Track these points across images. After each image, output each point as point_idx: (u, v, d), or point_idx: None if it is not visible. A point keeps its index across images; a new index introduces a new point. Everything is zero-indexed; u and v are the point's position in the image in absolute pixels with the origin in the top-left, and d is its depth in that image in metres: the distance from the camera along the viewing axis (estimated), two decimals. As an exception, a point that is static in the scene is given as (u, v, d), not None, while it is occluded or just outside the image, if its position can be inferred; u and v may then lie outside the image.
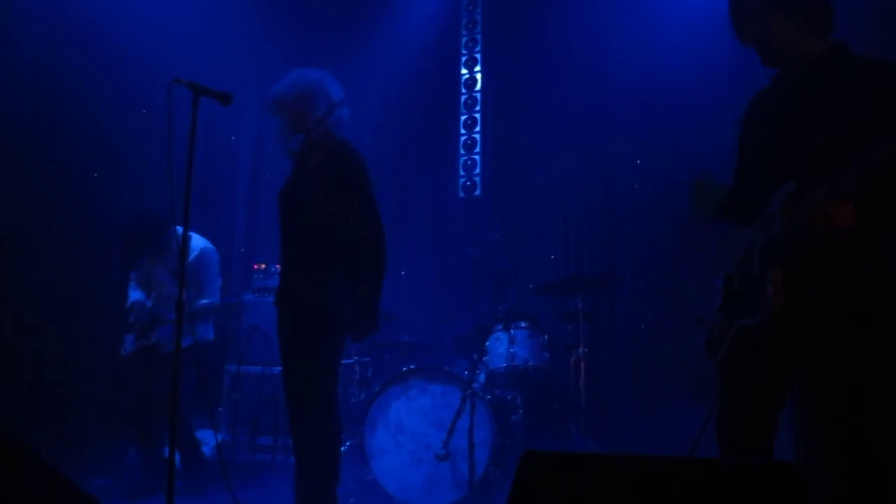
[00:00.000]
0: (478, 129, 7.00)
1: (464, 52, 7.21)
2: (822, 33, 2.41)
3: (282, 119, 3.66)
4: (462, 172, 6.94)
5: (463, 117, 7.06)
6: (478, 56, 7.15)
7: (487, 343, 4.91)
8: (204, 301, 5.03)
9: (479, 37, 7.19)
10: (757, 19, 2.42)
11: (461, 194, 6.90)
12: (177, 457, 4.03)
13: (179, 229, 4.73)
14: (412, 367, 4.80)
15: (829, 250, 2.20)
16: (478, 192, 6.85)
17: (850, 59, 2.38)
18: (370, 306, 3.50)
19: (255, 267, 6.36)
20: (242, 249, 7.11)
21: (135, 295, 5.08)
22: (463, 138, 7.01)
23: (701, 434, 2.64)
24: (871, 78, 2.26)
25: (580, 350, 4.91)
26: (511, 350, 4.82)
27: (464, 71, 7.16)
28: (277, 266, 6.16)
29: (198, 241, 5.13)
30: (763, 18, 2.41)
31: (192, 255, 5.04)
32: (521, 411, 4.89)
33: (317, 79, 3.68)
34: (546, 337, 4.96)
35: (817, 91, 2.35)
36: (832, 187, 2.09)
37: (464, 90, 7.12)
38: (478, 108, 7.04)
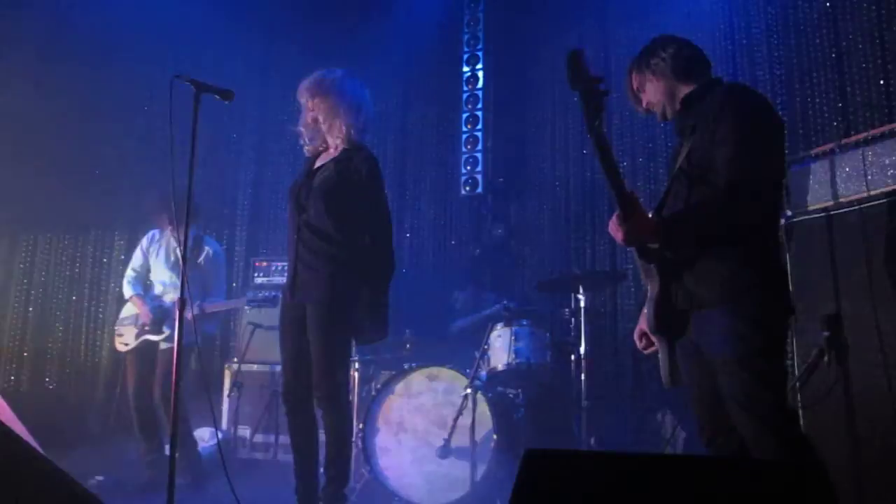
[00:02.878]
0: (480, 126, 6.98)
1: (465, 49, 7.20)
2: (697, 78, 2.68)
3: (312, 112, 3.65)
4: (464, 170, 6.92)
5: (465, 115, 7.05)
6: (479, 53, 7.14)
7: (489, 341, 4.90)
8: (212, 300, 5.05)
9: (480, 34, 7.17)
10: (644, 89, 2.77)
11: (463, 191, 6.89)
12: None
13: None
14: (414, 364, 4.79)
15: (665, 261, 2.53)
16: (480, 190, 6.84)
17: (704, 95, 2.62)
18: (377, 309, 3.50)
19: (257, 264, 6.37)
20: (244, 247, 7.11)
21: (134, 288, 5.06)
22: (465, 136, 7.00)
23: (674, 432, 2.79)
24: (712, 108, 2.51)
25: (582, 348, 4.89)
26: (513, 348, 4.81)
27: (465, 68, 7.14)
28: (279, 264, 6.18)
29: (210, 244, 5.16)
30: (649, 85, 2.74)
31: (205, 256, 5.06)
32: (522, 409, 4.88)
33: (361, 92, 3.70)
34: (548, 335, 4.95)
35: (678, 130, 2.69)
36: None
37: (466, 87, 7.11)
38: (480, 105, 7.03)
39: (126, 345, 4.99)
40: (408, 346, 5.43)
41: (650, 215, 2.53)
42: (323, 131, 3.65)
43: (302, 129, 3.70)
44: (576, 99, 2.43)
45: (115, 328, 5.06)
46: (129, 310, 5.09)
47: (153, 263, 5.13)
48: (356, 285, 3.47)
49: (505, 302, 5.07)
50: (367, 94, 3.71)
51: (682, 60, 2.70)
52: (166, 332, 4.88)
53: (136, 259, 5.18)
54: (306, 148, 3.75)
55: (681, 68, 2.70)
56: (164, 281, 5.08)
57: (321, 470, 3.52)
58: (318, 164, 3.68)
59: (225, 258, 5.25)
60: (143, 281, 5.13)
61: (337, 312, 3.43)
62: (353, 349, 5.31)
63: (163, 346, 4.88)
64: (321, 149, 3.71)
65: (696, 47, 2.75)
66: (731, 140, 2.39)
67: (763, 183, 2.39)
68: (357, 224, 3.52)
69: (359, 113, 3.64)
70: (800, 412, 3.38)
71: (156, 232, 5.21)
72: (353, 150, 3.60)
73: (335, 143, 3.64)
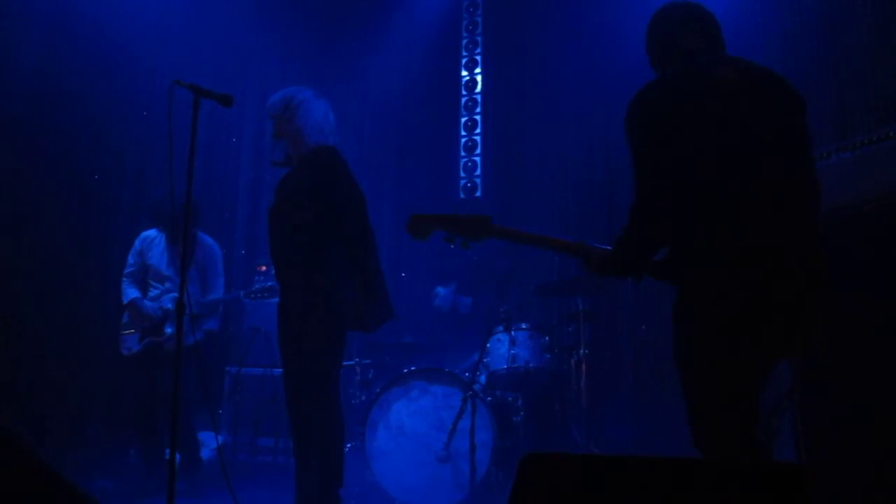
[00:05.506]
0: (478, 130, 7.01)
1: (464, 54, 7.22)
2: (666, 65, 2.55)
3: (273, 131, 3.79)
4: (462, 174, 6.94)
5: (463, 119, 7.07)
6: (478, 58, 7.16)
7: (489, 344, 4.91)
8: (211, 296, 5.06)
9: (479, 39, 7.20)
10: None
11: (462, 196, 6.90)
12: (177, 457, 4.03)
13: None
14: (413, 368, 4.80)
15: None
16: (478, 194, 6.85)
17: None
18: (375, 291, 3.58)
19: (257, 269, 6.37)
20: (243, 251, 7.12)
21: (132, 293, 5.08)
22: (463, 140, 7.02)
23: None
24: None
25: (581, 351, 4.90)
26: (512, 351, 4.82)
27: (464, 73, 7.17)
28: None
29: (205, 238, 5.16)
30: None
31: (200, 251, 5.07)
32: (522, 413, 4.89)
33: (326, 115, 3.79)
34: (547, 338, 4.96)
35: None
36: None
37: (464, 92, 7.13)
38: (478, 109, 7.05)
39: (130, 349, 5.00)
40: (407, 350, 5.44)
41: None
42: (286, 146, 3.79)
43: (269, 141, 3.84)
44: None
45: (120, 333, 5.08)
46: (130, 315, 5.10)
47: (149, 265, 5.14)
48: (347, 277, 3.53)
49: (504, 308, 5.08)
50: (332, 117, 3.82)
51: (656, 48, 2.59)
52: (168, 332, 4.89)
53: (132, 263, 5.19)
54: (272, 162, 3.88)
55: (656, 56, 2.59)
56: (162, 282, 5.09)
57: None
58: (286, 177, 3.78)
59: (221, 252, 5.27)
60: (140, 284, 5.14)
61: (325, 315, 3.47)
62: (354, 352, 5.33)
63: (167, 347, 4.90)
64: (286, 164, 3.82)
65: (670, 23, 2.56)
66: None
67: (646, 194, 2.27)
68: (332, 218, 3.57)
69: (321, 134, 3.73)
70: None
71: (149, 233, 5.22)
72: (314, 151, 3.69)
73: (298, 159, 3.74)
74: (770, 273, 2.16)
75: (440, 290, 5.87)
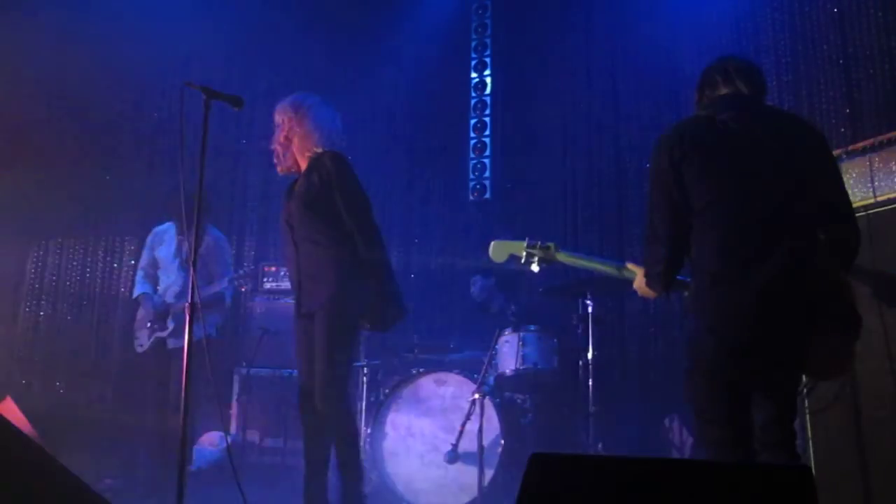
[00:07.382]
0: (487, 132, 7.00)
1: (473, 55, 7.22)
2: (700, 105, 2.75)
3: (286, 133, 3.79)
4: (472, 176, 6.93)
5: (473, 121, 7.06)
6: (487, 60, 7.16)
7: (497, 346, 4.91)
8: (213, 288, 5.06)
9: (488, 41, 7.19)
10: None
11: (471, 197, 6.90)
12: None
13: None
14: (422, 369, 4.80)
15: None
16: (488, 195, 6.85)
17: None
18: (388, 293, 3.62)
19: (266, 269, 6.38)
20: (253, 252, 7.14)
21: (140, 288, 5.10)
22: (473, 142, 7.01)
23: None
24: None
25: (590, 353, 4.89)
26: (520, 353, 4.82)
27: (473, 74, 7.16)
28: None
29: (211, 232, 5.17)
30: None
31: (205, 245, 5.07)
32: (530, 414, 4.89)
33: (334, 121, 3.82)
34: (555, 340, 4.95)
35: None
36: None
37: (473, 94, 7.12)
38: (487, 111, 7.04)
39: (141, 346, 5.03)
40: (416, 351, 5.44)
41: None
42: (294, 151, 3.78)
43: (276, 147, 3.81)
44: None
45: (134, 330, 5.11)
46: (141, 311, 5.12)
47: (159, 259, 5.17)
48: (361, 279, 3.56)
49: (512, 307, 5.08)
50: (339, 122, 3.85)
51: (697, 90, 2.77)
52: (170, 326, 4.91)
53: (144, 258, 5.23)
54: (279, 168, 3.86)
55: (697, 98, 2.76)
56: (170, 277, 5.11)
57: (330, 474, 3.55)
58: (294, 183, 3.81)
59: (228, 244, 5.26)
60: (153, 279, 5.16)
61: (341, 319, 3.50)
62: (362, 353, 5.33)
63: (170, 343, 4.90)
64: (293, 170, 3.83)
65: (714, 68, 2.73)
66: None
67: (648, 228, 2.62)
68: (343, 221, 3.60)
69: (329, 138, 3.76)
70: (807, 417, 3.39)
71: (160, 227, 5.24)
72: (319, 155, 3.71)
73: (305, 163, 3.76)
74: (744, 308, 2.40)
75: (479, 279, 5.84)
